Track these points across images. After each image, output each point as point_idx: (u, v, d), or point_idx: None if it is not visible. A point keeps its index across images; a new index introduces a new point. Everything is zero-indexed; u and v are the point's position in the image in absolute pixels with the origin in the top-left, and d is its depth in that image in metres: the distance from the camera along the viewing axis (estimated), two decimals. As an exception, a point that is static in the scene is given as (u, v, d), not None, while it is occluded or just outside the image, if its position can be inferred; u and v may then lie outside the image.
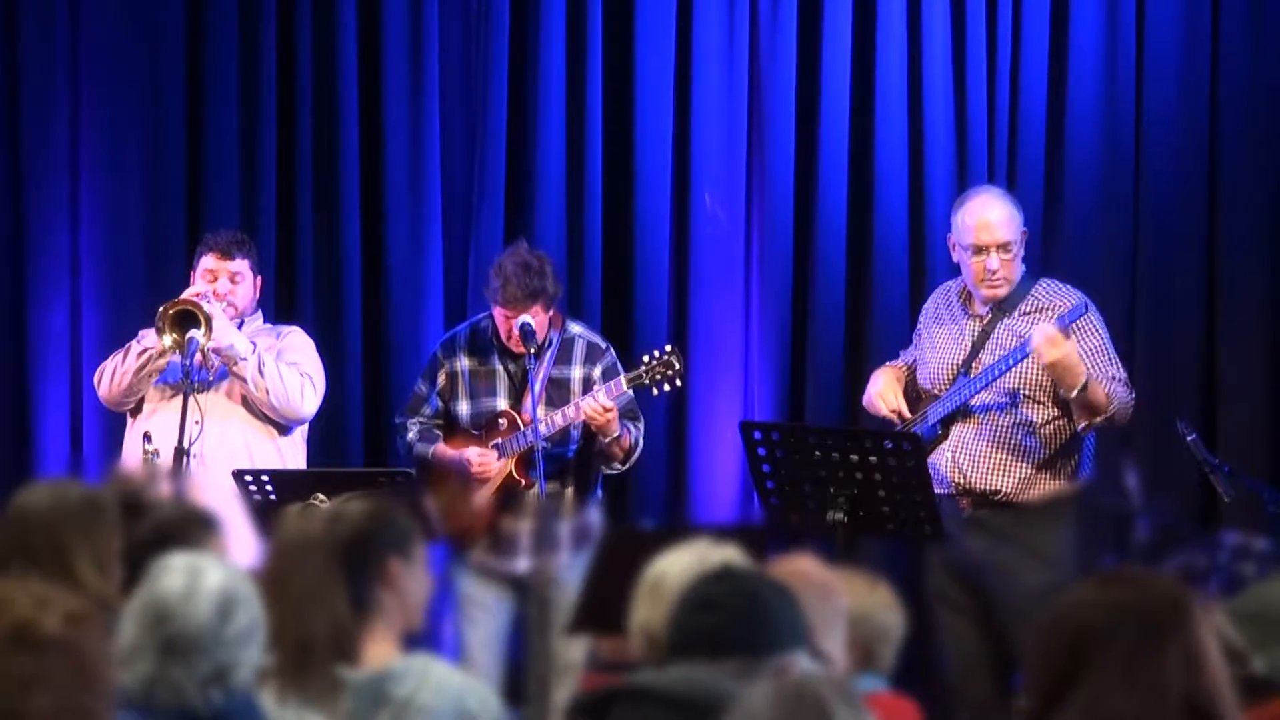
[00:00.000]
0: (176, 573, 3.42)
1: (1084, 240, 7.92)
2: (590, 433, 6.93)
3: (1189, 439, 6.81)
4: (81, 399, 7.80)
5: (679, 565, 3.65)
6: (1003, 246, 6.62)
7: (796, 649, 3.40)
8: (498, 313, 6.93)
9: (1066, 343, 6.41)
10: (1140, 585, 3.12)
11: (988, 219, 6.66)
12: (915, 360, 6.92)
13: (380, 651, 3.72)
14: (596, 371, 6.98)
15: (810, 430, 6.54)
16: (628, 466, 7.03)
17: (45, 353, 7.88)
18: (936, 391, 6.74)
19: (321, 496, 5.94)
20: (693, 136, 8.04)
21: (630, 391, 6.95)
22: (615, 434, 6.86)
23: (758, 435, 6.29)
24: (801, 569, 4.00)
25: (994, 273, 6.63)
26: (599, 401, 6.81)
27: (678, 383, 6.95)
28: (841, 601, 4.00)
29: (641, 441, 7.00)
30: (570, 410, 6.86)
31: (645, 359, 6.94)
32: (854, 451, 6.14)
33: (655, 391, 6.94)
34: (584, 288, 7.93)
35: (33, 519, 3.76)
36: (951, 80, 7.98)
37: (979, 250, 6.65)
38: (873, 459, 6.12)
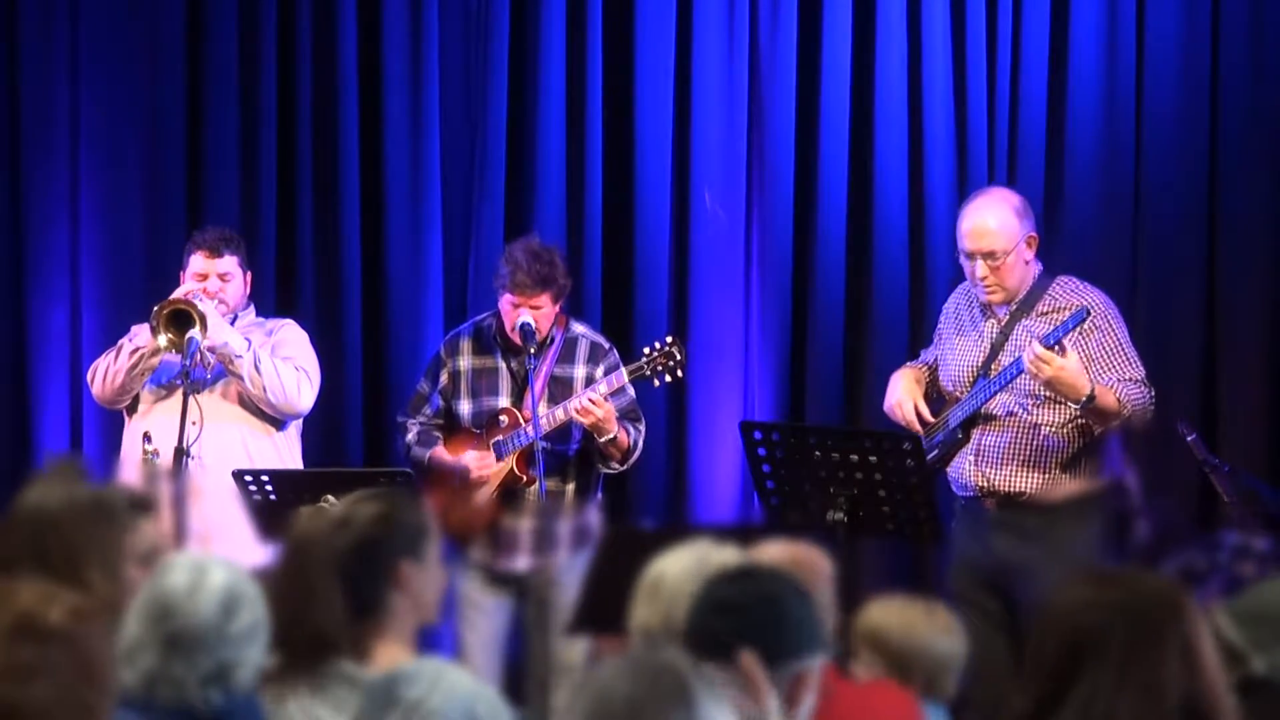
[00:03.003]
0: (181, 570, 3.43)
1: (1084, 240, 7.91)
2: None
3: (1189, 439, 6.80)
4: (81, 398, 7.80)
5: (678, 565, 3.64)
6: (988, 255, 6.56)
7: (816, 652, 3.32)
8: (505, 301, 6.87)
9: (1058, 359, 6.32)
10: (1136, 585, 3.12)
11: (974, 226, 6.60)
12: (936, 360, 6.88)
13: (392, 653, 3.74)
14: (599, 371, 6.93)
15: (810, 430, 6.52)
16: (626, 467, 6.98)
17: (45, 351, 7.88)
18: (958, 394, 6.70)
19: (331, 499, 5.92)
20: (693, 136, 8.03)
21: (632, 392, 6.94)
22: (611, 434, 6.79)
23: (758, 435, 6.28)
24: (790, 554, 4.00)
25: (982, 279, 6.60)
26: (590, 397, 6.74)
27: (679, 373, 6.91)
28: (825, 584, 3.98)
29: (641, 443, 6.95)
30: (570, 404, 6.79)
31: (646, 350, 6.90)
32: (854, 451, 6.12)
33: (657, 382, 6.91)
34: (584, 288, 7.92)
35: (45, 521, 3.72)
36: (951, 80, 7.97)
37: (968, 256, 6.62)
38: (873, 459, 6.10)
